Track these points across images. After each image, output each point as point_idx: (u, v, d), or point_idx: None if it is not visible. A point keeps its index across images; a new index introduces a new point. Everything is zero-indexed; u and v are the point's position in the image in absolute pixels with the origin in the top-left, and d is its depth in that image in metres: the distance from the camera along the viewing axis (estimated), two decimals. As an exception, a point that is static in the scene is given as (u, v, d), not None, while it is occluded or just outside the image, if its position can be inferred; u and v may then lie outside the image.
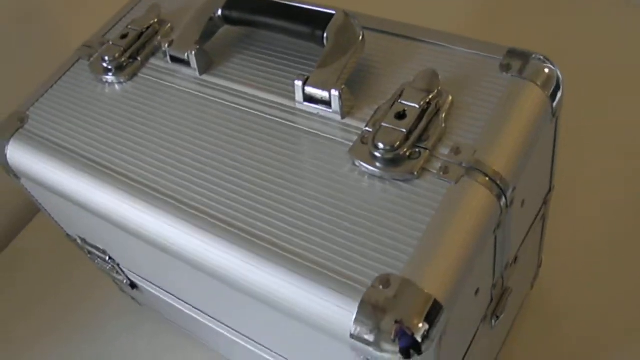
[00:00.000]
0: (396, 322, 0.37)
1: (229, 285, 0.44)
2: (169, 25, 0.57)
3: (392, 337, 0.37)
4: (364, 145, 0.44)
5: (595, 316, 0.65)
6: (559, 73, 0.47)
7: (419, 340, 0.37)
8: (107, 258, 0.62)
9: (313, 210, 0.42)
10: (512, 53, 0.48)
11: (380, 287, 0.38)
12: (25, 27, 0.84)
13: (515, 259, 0.52)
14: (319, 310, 0.39)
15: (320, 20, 0.49)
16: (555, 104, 0.47)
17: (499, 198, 0.42)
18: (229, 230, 0.43)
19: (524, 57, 0.47)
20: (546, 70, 0.47)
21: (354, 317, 0.38)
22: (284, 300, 0.41)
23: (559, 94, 0.47)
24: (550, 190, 0.55)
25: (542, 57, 0.47)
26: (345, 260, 0.40)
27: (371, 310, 0.38)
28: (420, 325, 0.37)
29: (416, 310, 0.37)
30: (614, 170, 0.76)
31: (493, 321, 0.52)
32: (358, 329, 0.38)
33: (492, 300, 0.50)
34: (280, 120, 0.48)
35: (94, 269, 0.77)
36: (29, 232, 0.88)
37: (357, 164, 0.44)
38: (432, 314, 0.37)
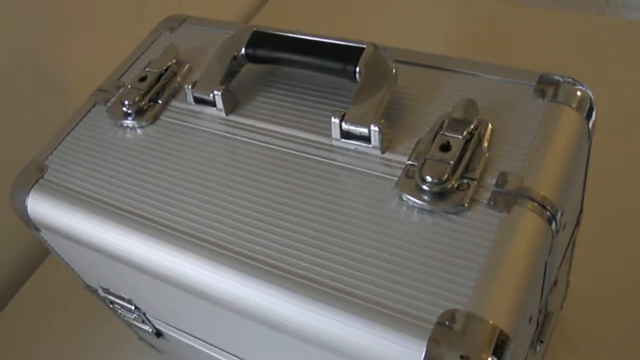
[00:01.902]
0: (463, 357, 0.36)
1: (283, 332, 0.43)
2: (188, 65, 0.57)
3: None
4: (410, 179, 0.44)
5: (624, 335, 0.65)
6: (590, 94, 0.48)
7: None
8: (133, 308, 0.60)
9: (366, 249, 0.42)
10: (544, 78, 0.48)
11: (447, 322, 0.38)
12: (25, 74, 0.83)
13: (555, 282, 0.52)
14: (383, 351, 0.39)
15: (350, 55, 0.48)
16: (590, 124, 0.47)
17: (549, 223, 0.42)
18: (281, 275, 0.42)
19: (555, 81, 0.48)
20: (578, 93, 0.47)
21: (423, 355, 0.37)
22: (346, 343, 0.40)
23: (594, 114, 0.47)
24: (581, 212, 0.56)
25: (571, 80, 0.48)
26: (406, 299, 0.39)
27: (440, 347, 0.37)
28: (490, 359, 0.37)
29: (484, 343, 0.37)
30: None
31: (537, 346, 0.51)
32: (428, 367, 0.37)
33: (537, 325, 0.50)
34: (317, 158, 0.48)
35: (107, 318, 0.75)
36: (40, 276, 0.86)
37: (404, 198, 0.44)
38: (500, 346, 0.37)
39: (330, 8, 1.14)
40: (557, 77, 0.48)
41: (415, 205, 0.43)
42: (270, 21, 1.13)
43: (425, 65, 0.51)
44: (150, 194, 0.49)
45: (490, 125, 0.46)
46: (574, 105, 0.46)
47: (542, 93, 0.47)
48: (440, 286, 0.39)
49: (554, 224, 0.42)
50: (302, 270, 0.42)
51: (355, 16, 1.10)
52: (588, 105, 0.47)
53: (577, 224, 0.55)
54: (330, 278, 0.41)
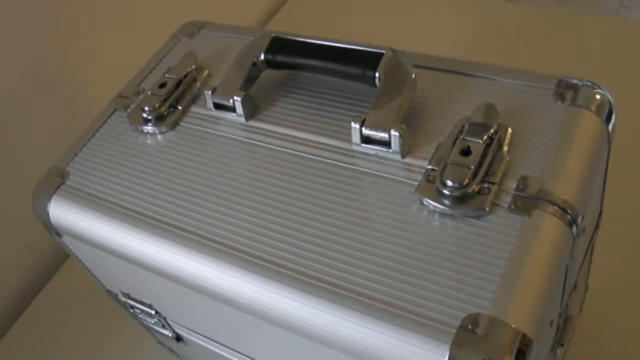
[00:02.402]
0: (487, 361, 0.37)
1: (305, 337, 0.43)
2: (207, 71, 0.57)
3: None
4: (431, 183, 0.44)
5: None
6: (610, 97, 0.48)
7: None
8: (153, 312, 0.60)
9: (388, 254, 0.42)
10: (562, 82, 0.48)
11: (470, 326, 0.38)
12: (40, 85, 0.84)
13: (575, 285, 0.52)
14: (406, 355, 0.39)
15: (370, 60, 0.49)
16: (610, 128, 0.47)
17: (570, 227, 0.42)
18: (303, 280, 0.42)
19: (574, 85, 0.48)
20: (598, 96, 0.47)
21: (447, 359, 0.37)
22: (369, 347, 0.40)
23: (613, 118, 0.47)
24: (600, 214, 0.56)
25: (590, 83, 0.48)
26: (429, 303, 0.39)
27: (463, 351, 0.37)
28: (513, 363, 0.37)
29: (507, 347, 0.37)
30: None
31: (558, 350, 0.51)
32: (451, 371, 0.37)
33: (558, 329, 0.50)
34: (337, 163, 0.48)
35: (126, 322, 0.75)
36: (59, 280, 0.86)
37: (425, 203, 0.44)
38: (523, 350, 0.37)
39: (344, 13, 1.14)
40: (575, 81, 0.48)
41: (437, 209, 0.43)
42: (286, 26, 1.13)
43: (444, 70, 0.51)
44: (171, 199, 0.50)
45: (510, 130, 0.46)
46: (593, 109, 0.46)
47: (561, 97, 0.47)
48: (463, 290, 0.39)
49: (574, 228, 0.42)
50: (325, 275, 0.42)
51: (370, 21, 1.10)
52: (607, 109, 0.47)
53: (597, 226, 0.55)
54: (353, 283, 0.41)
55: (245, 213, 0.47)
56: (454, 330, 0.38)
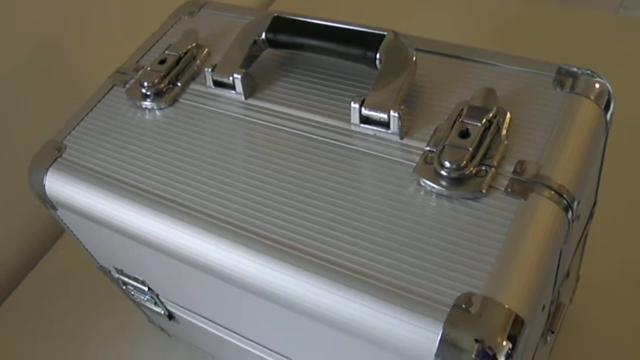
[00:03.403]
0: (478, 340, 0.37)
1: (299, 313, 0.43)
2: (207, 49, 0.57)
3: (474, 356, 0.37)
4: (429, 164, 0.44)
5: (633, 330, 0.66)
6: (609, 86, 0.48)
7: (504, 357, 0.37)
8: (146, 289, 0.60)
9: (386, 233, 0.42)
10: (562, 70, 0.48)
11: (463, 305, 0.38)
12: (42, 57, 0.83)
13: (567, 273, 0.52)
14: (400, 333, 0.39)
15: (371, 42, 0.49)
16: (608, 116, 0.47)
17: (566, 212, 0.42)
18: (299, 257, 0.42)
19: (573, 73, 0.48)
20: (597, 85, 0.47)
21: (439, 337, 0.37)
22: (362, 324, 0.40)
23: (612, 107, 0.48)
24: (594, 204, 0.56)
25: (590, 72, 0.48)
26: (425, 281, 0.39)
27: (456, 329, 0.37)
28: (504, 343, 0.37)
29: (500, 326, 0.37)
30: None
31: (548, 337, 0.52)
32: (443, 349, 0.37)
33: (549, 315, 0.50)
34: (336, 142, 0.48)
35: (117, 300, 0.75)
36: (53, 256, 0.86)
37: (422, 183, 0.44)
38: (515, 330, 0.37)
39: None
40: (575, 69, 0.48)
41: (434, 190, 0.43)
42: (289, 6, 1.13)
43: (445, 54, 0.51)
44: (168, 174, 0.50)
45: (509, 114, 0.46)
46: (592, 97, 0.46)
47: (560, 84, 0.47)
48: (458, 270, 0.40)
49: (570, 213, 0.42)
50: (320, 251, 0.42)
51: (375, 3, 1.10)
52: (606, 97, 0.47)
53: (591, 216, 0.56)
54: (348, 260, 0.41)
55: (241, 189, 0.47)
56: (448, 309, 0.38)
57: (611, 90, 0.48)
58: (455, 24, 1.03)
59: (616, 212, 0.75)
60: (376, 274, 0.40)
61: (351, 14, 1.08)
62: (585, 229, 0.55)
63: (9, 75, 0.79)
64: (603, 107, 0.47)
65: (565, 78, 0.48)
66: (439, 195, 0.43)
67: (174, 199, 0.48)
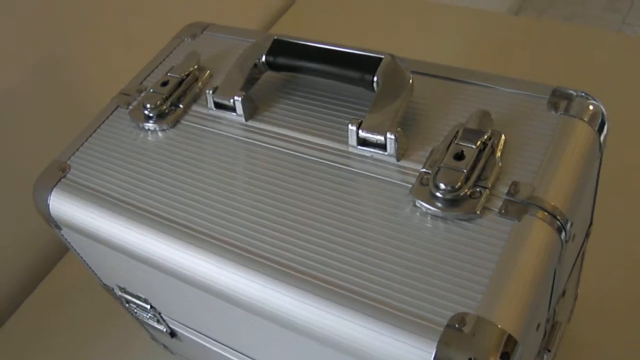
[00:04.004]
0: (472, 360, 0.37)
1: (297, 332, 0.44)
2: (208, 71, 0.58)
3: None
4: (424, 186, 0.45)
5: (631, 349, 0.66)
6: (603, 108, 0.49)
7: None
8: (149, 307, 0.61)
9: (381, 253, 0.43)
10: (557, 92, 0.49)
11: (457, 325, 0.39)
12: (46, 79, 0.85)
13: (564, 292, 0.53)
14: (394, 352, 0.40)
15: (369, 65, 0.50)
16: (602, 138, 0.48)
17: (559, 233, 0.43)
18: (297, 277, 0.43)
19: (568, 95, 0.49)
20: (591, 107, 0.48)
21: (433, 356, 0.38)
22: (357, 343, 0.41)
23: (605, 129, 0.48)
24: (590, 224, 0.57)
25: (584, 94, 0.49)
26: (419, 301, 0.40)
27: (449, 349, 0.38)
28: (498, 362, 0.38)
29: (493, 346, 0.38)
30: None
31: (545, 355, 0.52)
32: (437, 369, 0.38)
33: (544, 334, 0.51)
34: (334, 164, 0.49)
35: (121, 318, 0.76)
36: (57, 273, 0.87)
37: (418, 204, 0.45)
38: (508, 349, 0.38)
39: (349, 18, 1.15)
40: (570, 91, 0.49)
41: (429, 211, 0.44)
42: (290, 30, 1.14)
43: (441, 77, 0.52)
44: (170, 195, 0.50)
45: (503, 136, 0.47)
46: (586, 119, 0.47)
47: (555, 106, 0.48)
48: (452, 290, 0.40)
49: (563, 234, 0.43)
50: (317, 272, 0.43)
51: (374, 27, 1.12)
52: (600, 120, 0.48)
53: (587, 235, 0.56)
54: (344, 280, 0.42)
55: (241, 210, 0.48)
56: (442, 329, 0.39)
57: (605, 112, 0.49)
58: (457, 44, 1.04)
59: (613, 231, 0.75)
60: (371, 294, 0.41)
61: (350, 37, 1.10)
62: (581, 248, 0.56)
63: (15, 93, 0.81)
64: (597, 129, 0.48)
65: (559, 100, 0.49)
66: (434, 216, 0.44)
67: (175, 219, 0.49)
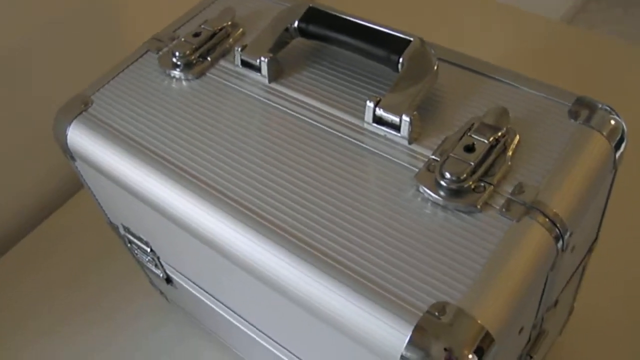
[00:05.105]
0: (446, 349, 0.38)
1: (281, 294, 0.44)
2: (241, 29, 0.59)
3: (441, 364, 0.38)
4: (430, 172, 0.45)
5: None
6: (624, 125, 0.48)
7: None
8: (149, 250, 0.62)
9: (376, 231, 0.43)
10: (580, 101, 0.49)
11: (436, 313, 0.39)
12: (91, 16, 0.86)
13: (556, 302, 0.52)
14: (372, 329, 0.40)
15: (397, 45, 0.50)
16: (618, 155, 0.47)
17: (556, 240, 0.43)
18: (289, 240, 0.43)
19: (591, 106, 0.48)
20: (612, 122, 0.48)
21: (407, 339, 0.38)
22: (338, 314, 0.41)
23: (623, 146, 0.48)
24: (595, 240, 0.56)
25: (608, 108, 0.48)
26: (404, 284, 0.40)
27: (425, 335, 0.38)
28: (470, 356, 0.38)
29: (468, 340, 0.38)
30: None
31: (526, 361, 0.52)
32: (410, 352, 0.38)
33: (529, 340, 0.51)
34: (347, 138, 0.49)
35: (125, 259, 0.78)
36: (67, 210, 0.89)
37: (421, 190, 0.45)
38: (483, 346, 0.38)
39: (386, 5, 1.14)
40: (594, 102, 0.48)
41: (430, 198, 0.44)
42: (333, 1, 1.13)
43: (468, 68, 0.52)
44: (182, 142, 0.51)
45: (518, 136, 0.46)
46: (604, 133, 0.47)
47: (575, 115, 0.48)
48: (439, 278, 0.40)
49: (560, 242, 0.43)
50: (311, 239, 0.43)
51: (415, 12, 1.11)
52: (619, 136, 0.47)
53: (590, 251, 0.56)
54: (333, 250, 0.42)
55: (246, 167, 0.48)
56: (421, 314, 0.39)
57: (626, 129, 0.48)
58: (499, 43, 1.03)
59: (620, 250, 0.74)
60: (358, 268, 0.41)
61: (397, 18, 1.09)
62: (582, 262, 0.55)
63: (55, 28, 0.82)
64: (614, 144, 0.47)
65: (581, 109, 0.48)
66: (434, 203, 0.44)
67: (181, 165, 0.49)
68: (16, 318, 0.78)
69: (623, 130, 0.48)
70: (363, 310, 0.40)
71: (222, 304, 0.59)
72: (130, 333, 0.74)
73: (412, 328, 0.38)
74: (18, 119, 0.84)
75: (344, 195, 0.45)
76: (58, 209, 0.89)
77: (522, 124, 0.48)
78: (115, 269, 0.80)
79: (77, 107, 0.56)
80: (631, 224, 0.77)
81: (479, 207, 0.43)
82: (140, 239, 0.62)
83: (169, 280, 0.65)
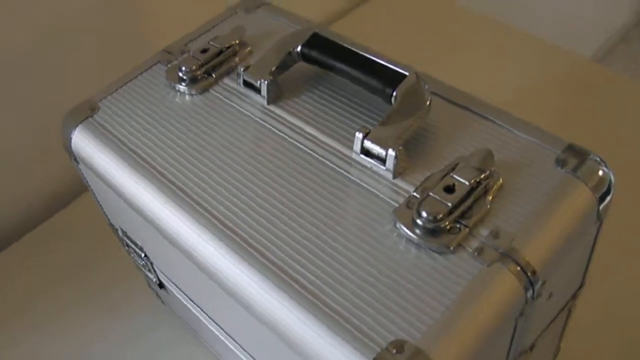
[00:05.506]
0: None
1: (252, 313, 0.45)
2: (249, 48, 0.60)
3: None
4: (409, 209, 0.46)
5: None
6: (612, 177, 0.48)
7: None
8: (143, 255, 0.64)
9: (348, 263, 0.44)
10: (570, 149, 0.49)
11: (394, 351, 0.39)
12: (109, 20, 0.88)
13: (532, 346, 0.52)
14: (330, 358, 0.41)
15: (392, 78, 0.50)
16: (602, 207, 0.47)
17: (526, 289, 0.43)
18: (260, 261, 0.45)
19: (581, 155, 0.48)
20: (600, 173, 0.47)
21: (363, 375, 0.39)
22: (300, 339, 0.42)
23: (608, 198, 0.48)
24: (581, 287, 0.56)
25: (598, 159, 0.48)
26: (367, 318, 0.41)
27: (380, 372, 0.39)
28: (423, 398, 0.38)
29: (422, 382, 0.38)
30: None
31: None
32: (364, 387, 0.39)
33: (502, 382, 0.51)
34: (334, 167, 0.50)
35: (125, 259, 0.79)
36: (75, 208, 0.91)
37: (397, 226, 0.45)
38: (437, 388, 0.38)
39: (419, 26, 1.14)
40: (584, 151, 0.48)
41: (405, 235, 0.45)
42: (354, 26, 1.13)
43: (462, 106, 0.52)
44: (177, 156, 0.53)
45: (501, 180, 0.47)
46: (590, 184, 0.47)
47: (563, 163, 0.48)
48: (402, 316, 0.41)
49: (530, 291, 0.43)
50: (280, 260, 0.45)
51: (443, 39, 1.11)
52: (605, 188, 0.47)
53: (574, 297, 0.56)
54: (303, 276, 0.43)
55: (232, 186, 0.50)
56: (379, 349, 0.39)
57: (613, 182, 0.48)
58: (523, 75, 1.02)
59: (609, 292, 0.73)
60: (324, 298, 0.42)
61: (413, 45, 1.07)
62: (566, 307, 0.55)
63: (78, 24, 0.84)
64: (599, 196, 0.47)
65: (570, 158, 0.48)
66: (409, 240, 0.45)
67: (173, 180, 0.51)
68: (12, 309, 0.80)
69: (610, 183, 0.48)
70: (323, 339, 0.41)
71: (206, 314, 0.60)
72: (126, 330, 0.76)
73: (368, 362, 0.39)
74: (34, 118, 0.86)
75: (323, 223, 0.46)
76: (64, 208, 0.91)
77: (507, 167, 0.48)
78: (114, 268, 0.82)
79: (84, 112, 0.58)
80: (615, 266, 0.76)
81: (451, 248, 0.43)
82: (135, 244, 0.64)
83: (161, 285, 0.67)
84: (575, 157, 0.48)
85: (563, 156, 0.48)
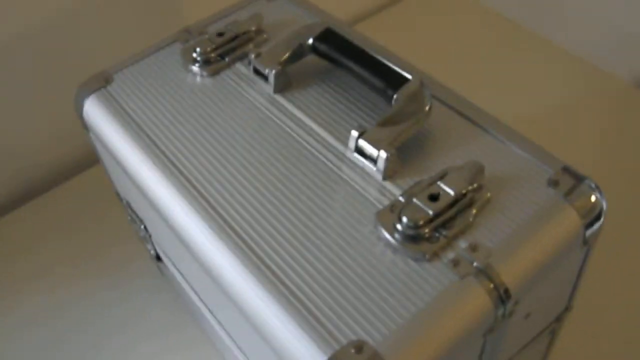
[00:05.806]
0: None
1: (223, 292, 0.46)
2: (265, 36, 0.60)
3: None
4: (392, 213, 0.46)
5: None
6: (604, 204, 0.47)
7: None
8: (142, 227, 0.65)
9: (323, 258, 0.44)
10: (566, 171, 0.48)
11: (352, 351, 0.40)
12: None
13: (507, 364, 0.52)
14: (292, 349, 0.41)
15: (395, 80, 0.50)
16: (589, 233, 0.47)
17: (496, 307, 0.42)
18: (242, 249, 0.45)
19: (575, 178, 0.48)
20: (592, 199, 0.47)
21: (319, 370, 0.40)
22: (265, 323, 0.43)
23: (597, 225, 0.47)
24: (566, 310, 0.55)
25: (593, 185, 0.47)
26: (332, 314, 0.41)
27: (336, 370, 0.39)
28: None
29: (376, 386, 0.39)
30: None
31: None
32: (319, 382, 0.39)
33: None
34: (326, 162, 0.50)
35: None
36: (87, 176, 0.94)
37: (378, 228, 0.45)
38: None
39: (449, 31, 1.13)
40: (579, 175, 0.48)
41: (384, 238, 0.45)
42: (382, 24, 1.12)
43: (463, 115, 0.52)
44: (178, 135, 0.54)
45: (488, 194, 0.46)
46: (578, 209, 0.46)
47: (555, 184, 0.47)
48: (367, 318, 0.41)
49: (501, 310, 0.43)
50: (257, 246, 0.45)
51: (474, 46, 1.09)
52: (595, 215, 0.47)
53: (558, 319, 0.55)
54: (277, 265, 0.44)
55: (226, 169, 0.50)
56: (338, 347, 0.40)
57: (604, 210, 0.47)
58: (553, 93, 1.01)
59: (596, 316, 0.72)
60: (294, 288, 0.43)
61: (439, 50, 1.06)
62: (546, 329, 0.54)
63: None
64: (586, 222, 0.46)
65: (563, 179, 0.47)
66: (387, 244, 0.45)
67: (171, 158, 0.52)
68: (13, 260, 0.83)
69: (601, 210, 0.47)
70: (285, 327, 0.42)
71: (193, 289, 0.61)
72: (122, 293, 0.78)
73: (325, 358, 0.39)
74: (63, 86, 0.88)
75: (305, 216, 0.47)
76: (76, 175, 0.94)
77: (498, 182, 0.48)
78: (119, 237, 0.83)
79: (98, 83, 0.60)
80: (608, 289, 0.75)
81: (427, 256, 0.44)
82: (137, 216, 0.65)
83: (158, 258, 0.68)
84: (569, 179, 0.47)
85: (556, 177, 0.48)
